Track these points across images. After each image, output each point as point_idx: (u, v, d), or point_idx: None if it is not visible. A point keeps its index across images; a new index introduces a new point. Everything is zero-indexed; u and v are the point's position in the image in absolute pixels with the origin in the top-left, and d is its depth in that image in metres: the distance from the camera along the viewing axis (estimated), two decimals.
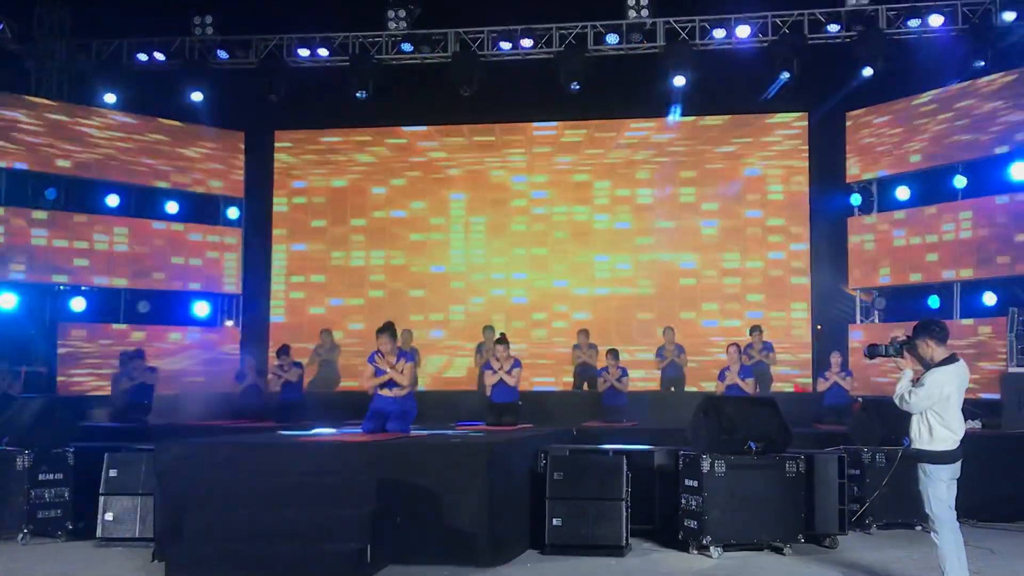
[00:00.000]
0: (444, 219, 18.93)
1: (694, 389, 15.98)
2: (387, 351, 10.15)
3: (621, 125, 18.63)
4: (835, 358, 14.52)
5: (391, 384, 10.19)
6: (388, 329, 10.22)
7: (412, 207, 19.03)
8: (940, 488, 7.05)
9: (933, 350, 7.12)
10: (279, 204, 19.21)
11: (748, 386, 13.39)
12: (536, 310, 18.50)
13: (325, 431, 10.80)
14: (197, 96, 17.58)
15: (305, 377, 15.32)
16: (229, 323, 18.49)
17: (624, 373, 14.52)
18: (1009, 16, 15.70)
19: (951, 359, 7.08)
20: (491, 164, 18.93)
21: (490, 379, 12.90)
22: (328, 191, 19.17)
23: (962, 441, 7.15)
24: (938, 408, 7.03)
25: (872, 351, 7.47)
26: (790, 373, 17.33)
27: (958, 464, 7.12)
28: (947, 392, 7.00)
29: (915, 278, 16.52)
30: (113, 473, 9.54)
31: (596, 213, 18.66)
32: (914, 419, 7.17)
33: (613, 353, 14.65)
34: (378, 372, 10.19)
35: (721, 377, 13.67)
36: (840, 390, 14.30)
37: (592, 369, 15.60)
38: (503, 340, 13.03)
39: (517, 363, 12.90)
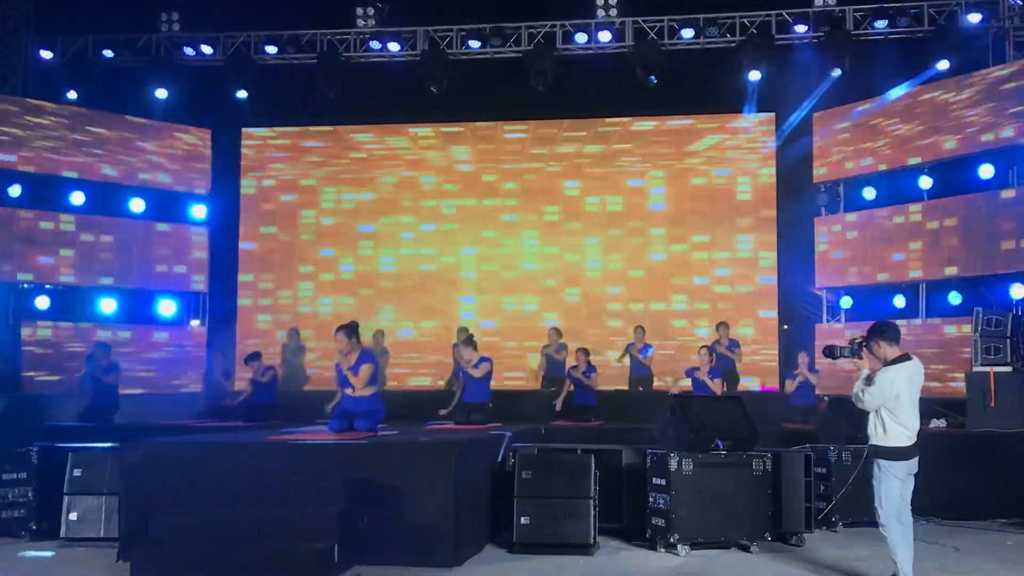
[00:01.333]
0: (414, 217, 18.91)
1: (663, 388, 16.04)
2: (342, 349, 10.11)
3: (590, 125, 18.68)
4: (802, 358, 14.60)
5: (349, 383, 10.16)
6: (342, 328, 10.15)
7: (383, 206, 19.01)
8: (893, 484, 7.28)
9: (885, 350, 7.39)
10: (247, 202, 19.12)
11: (716, 386, 13.47)
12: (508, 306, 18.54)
13: (293, 430, 10.76)
14: (163, 93, 17.49)
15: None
16: (195, 322, 18.37)
17: (591, 370, 14.54)
18: (974, 18, 15.96)
19: (902, 358, 7.35)
20: (461, 160, 18.93)
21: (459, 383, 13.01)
22: (297, 189, 19.12)
23: (922, 439, 7.37)
24: (890, 406, 7.28)
25: (830, 351, 7.73)
26: (757, 372, 17.44)
27: (914, 461, 7.36)
28: (897, 390, 7.25)
29: (881, 278, 16.64)
30: (77, 472, 9.45)
31: (565, 216, 18.70)
32: (870, 416, 7.42)
33: (583, 351, 14.69)
34: (337, 371, 10.20)
35: (689, 374, 13.77)
36: (808, 390, 14.40)
37: (559, 368, 15.61)
38: (469, 341, 13.06)
39: (484, 359, 12.92)
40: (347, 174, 19.04)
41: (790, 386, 14.52)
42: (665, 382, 16.22)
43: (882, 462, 7.32)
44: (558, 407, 14.31)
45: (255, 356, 14.74)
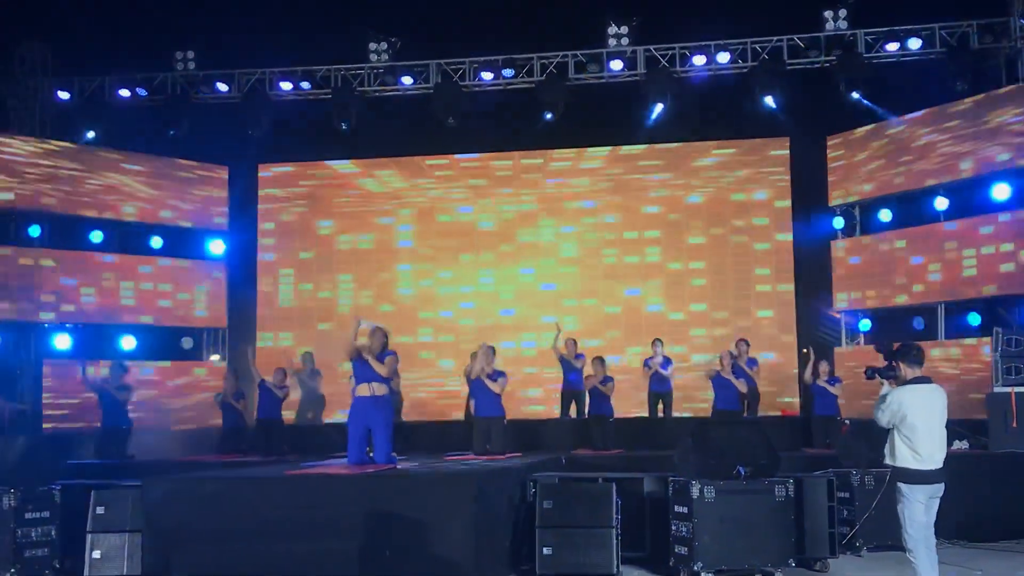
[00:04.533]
0: (431, 250, 18.95)
1: (687, 414, 16.00)
2: (372, 345, 10.45)
3: (604, 153, 18.75)
4: (823, 367, 14.68)
5: (368, 377, 10.28)
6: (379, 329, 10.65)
7: (400, 241, 19.07)
8: (915, 508, 7.26)
9: (905, 371, 7.45)
10: (264, 238, 19.22)
11: (741, 385, 13.64)
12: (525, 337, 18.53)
13: (312, 464, 10.78)
14: (180, 130, 17.62)
15: (287, 405, 15.45)
16: (215, 358, 18.43)
17: (608, 379, 14.57)
18: (985, 39, 15.93)
19: (918, 380, 7.38)
20: (481, 195, 19.01)
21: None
22: (314, 224, 19.19)
23: (945, 463, 7.34)
24: (905, 429, 7.29)
25: (871, 373, 7.83)
26: (778, 396, 17.36)
27: (936, 486, 7.31)
28: (904, 411, 7.28)
29: (899, 300, 16.58)
30: (100, 510, 9.48)
31: (580, 246, 18.73)
32: (888, 437, 7.44)
33: (599, 360, 14.76)
34: (355, 365, 10.42)
35: (715, 378, 14.01)
36: (829, 401, 14.45)
37: (576, 384, 15.56)
38: (491, 351, 13.13)
39: (502, 373, 12.95)
40: (365, 208, 19.08)
41: (808, 378, 14.75)
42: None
43: (901, 486, 7.31)
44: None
45: (280, 371, 15.21)
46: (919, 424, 7.27)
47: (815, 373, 14.71)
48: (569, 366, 15.66)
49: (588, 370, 15.15)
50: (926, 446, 7.27)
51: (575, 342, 15.95)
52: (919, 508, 7.26)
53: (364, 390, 10.29)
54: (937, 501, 7.35)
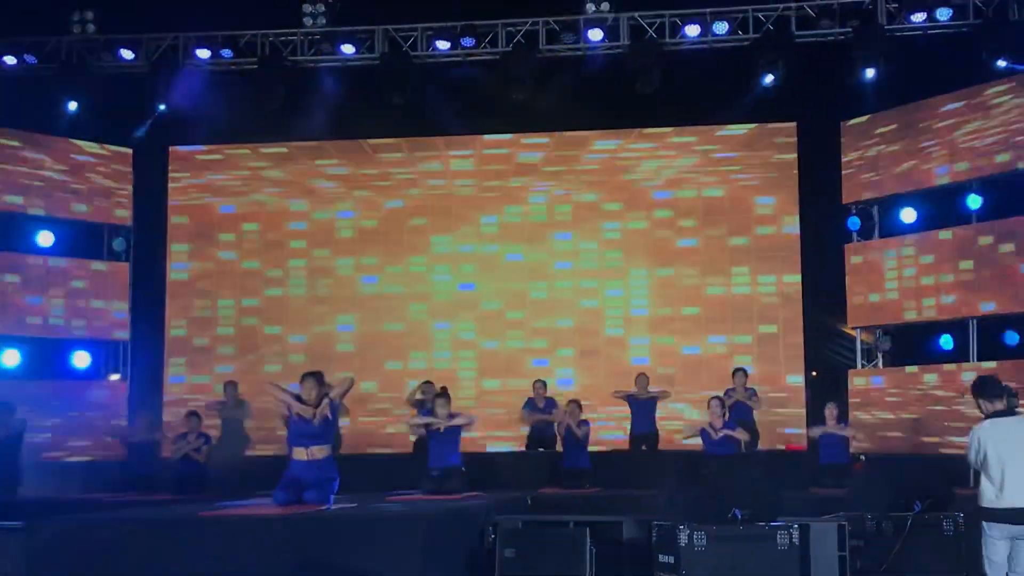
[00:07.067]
0: (377, 256, 18.95)
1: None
2: (310, 399, 10.41)
3: (583, 139, 18.82)
4: (830, 411, 14.57)
5: (306, 441, 10.23)
6: (311, 375, 10.65)
7: (340, 235, 19.09)
8: (991, 548, 7.91)
9: (984, 406, 8.12)
10: (176, 233, 19.11)
11: (740, 434, 13.60)
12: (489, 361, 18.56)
13: (231, 504, 10.72)
14: (74, 106, 17.49)
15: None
16: (115, 376, 18.30)
17: (585, 423, 14.59)
18: None
19: (998, 413, 8.03)
20: (433, 177, 19.06)
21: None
22: (235, 217, 19.11)
23: None
24: (987, 465, 7.91)
25: None
26: (781, 427, 17.46)
27: (1019, 527, 7.77)
28: (985, 448, 7.89)
29: (925, 314, 16.72)
30: None
31: (557, 248, 18.84)
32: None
33: (575, 403, 14.76)
34: (291, 426, 10.39)
35: (703, 435, 13.78)
36: (838, 447, 14.38)
37: (547, 428, 15.61)
38: (443, 394, 13.07)
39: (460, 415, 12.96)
40: (296, 198, 19.06)
41: (815, 432, 14.66)
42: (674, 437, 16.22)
43: (983, 524, 7.94)
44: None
45: (195, 414, 14.88)
46: (997, 459, 7.84)
47: (821, 422, 14.67)
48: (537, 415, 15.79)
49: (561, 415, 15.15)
50: (1002, 483, 7.81)
51: (544, 384, 16.05)
52: (995, 547, 7.86)
53: (300, 454, 10.30)
54: (1020, 542, 7.79)
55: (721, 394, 14.74)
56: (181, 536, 8.91)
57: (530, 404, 16.02)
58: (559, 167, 18.88)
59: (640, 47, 17.08)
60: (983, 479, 7.93)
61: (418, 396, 15.20)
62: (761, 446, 15.82)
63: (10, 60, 17.60)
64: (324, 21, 17.55)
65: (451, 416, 12.75)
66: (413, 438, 15.12)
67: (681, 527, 9.05)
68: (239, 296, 19.06)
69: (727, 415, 14.07)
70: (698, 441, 13.93)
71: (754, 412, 15.52)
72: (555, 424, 15.20)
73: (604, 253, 18.69)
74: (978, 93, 16.24)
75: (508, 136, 19.07)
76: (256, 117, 17.82)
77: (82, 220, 18.11)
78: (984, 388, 8.16)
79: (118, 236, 18.36)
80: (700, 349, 18.23)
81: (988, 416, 8.02)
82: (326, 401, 10.44)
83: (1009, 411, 8.13)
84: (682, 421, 16.55)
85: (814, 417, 15.76)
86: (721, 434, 13.60)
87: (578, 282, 18.74)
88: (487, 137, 19.10)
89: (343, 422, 15.10)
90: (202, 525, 9.16)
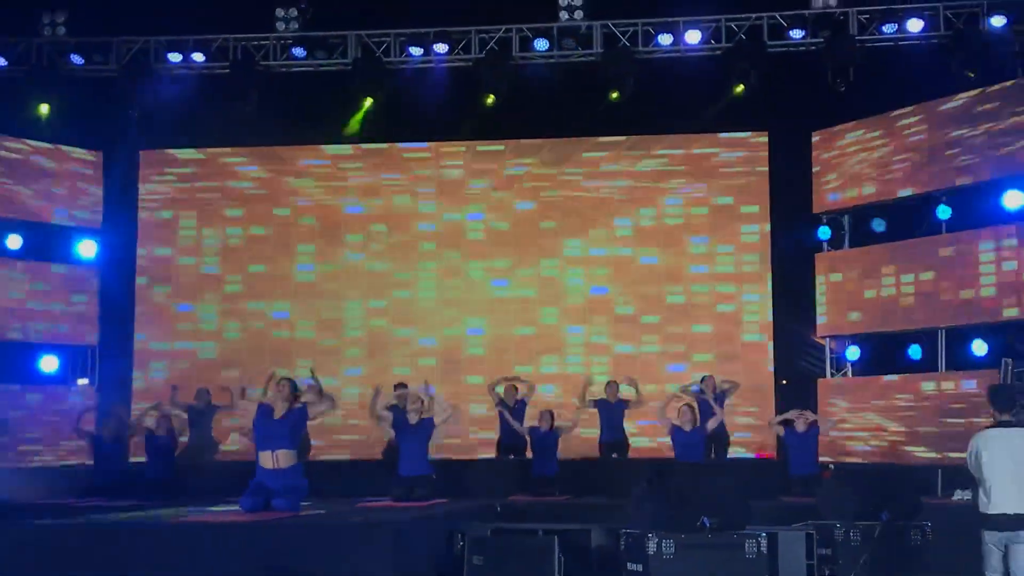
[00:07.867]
0: (338, 266, 18.92)
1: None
2: (285, 396, 10.57)
3: (546, 146, 18.81)
4: (801, 417, 14.61)
5: (272, 443, 10.25)
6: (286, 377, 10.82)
7: (311, 241, 19.03)
8: (988, 554, 8.06)
9: (994, 416, 8.25)
10: (145, 238, 19.00)
11: (713, 421, 13.92)
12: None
13: (199, 510, 10.68)
14: (45, 109, 17.38)
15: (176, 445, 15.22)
16: (83, 381, 18.18)
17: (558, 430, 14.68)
18: (998, 22, 16.00)
19: (1001, 424, 8.14)
20: (393, 187, 19.00)
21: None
22: (204, 221, 19.02)
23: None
24: (981, 473, 8.08)
25: None
26: (749, 437, 17.46)
27: (1012, 533, 7.91)
28: (980, 458, 8.04)
29: (894, 324, 16.76)
30: None
31: (516, 260, 18.83)
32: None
33: (548, 412, 14.90)
34: (258, 429, 10.46)
35: (675, 434, 13.99)
36: (807, 456, 14.42)
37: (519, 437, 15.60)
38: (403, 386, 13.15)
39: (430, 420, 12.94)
40: (265, 204, 18.97)
41: (779, 430, 14.73)
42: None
43: (981, 531, 8.06)
44: None
45: (175, 388, 15.28)
46: (989, 467, 8.01)
47: (790, 423, 14.68)
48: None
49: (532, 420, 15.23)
50: (999, 492, 7.95)
51: (516, 387, 16.02)
52: (991, 555, 8.01)
53: (267, 460, 10.27)
54: (1021, 550, 7.87)
55: (692, 402, 14.84)
56: (148, 542, 8.86)
57: (503, 404, 15.93)
58: (528, 182, 18.85)
59: (612, 55, 17.10)
60: (980, 488, 8.09)
61: (392, 402, 15.14)
62: (729, 454, 15.83)
63: None
64: (296, 26, 17.52)
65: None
66: (387, 438, 14.97)
67: (650, 535, 9.06)
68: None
69: (697, 421, 14.18)
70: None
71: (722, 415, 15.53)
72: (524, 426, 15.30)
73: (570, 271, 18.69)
74: (949, 105, 16.29)
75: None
76: (224, 122, 17.74)
77: (49, 223, 17.97)
78: (995, 397, 8.30)
79: (85, 239, 18.23)
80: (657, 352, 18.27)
81: (993, 426, 8.14)
82: (298, 405, 10.43)
83: (1016, 423, 8.15)
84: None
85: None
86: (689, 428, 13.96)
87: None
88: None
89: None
90: (169, 531, 9.11)
